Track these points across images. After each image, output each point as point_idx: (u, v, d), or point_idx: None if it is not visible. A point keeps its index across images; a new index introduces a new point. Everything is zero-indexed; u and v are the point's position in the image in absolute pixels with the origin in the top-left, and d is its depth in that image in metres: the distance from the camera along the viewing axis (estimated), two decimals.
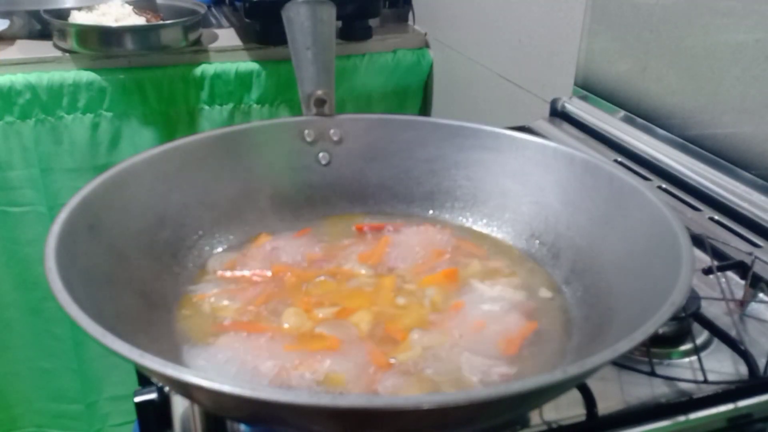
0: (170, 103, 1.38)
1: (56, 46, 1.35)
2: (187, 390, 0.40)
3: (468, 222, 0.67)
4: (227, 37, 1.47)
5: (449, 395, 0.35)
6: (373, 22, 1.52)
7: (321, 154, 0.68)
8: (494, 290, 0.58)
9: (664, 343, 0.56)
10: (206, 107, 1.41)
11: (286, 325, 0.53)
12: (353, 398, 0.42)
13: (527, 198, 0.64)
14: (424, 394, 0.45)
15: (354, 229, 0.66)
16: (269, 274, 0.59)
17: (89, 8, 1.40)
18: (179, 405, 0.54)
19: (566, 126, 0.98)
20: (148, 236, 0.57)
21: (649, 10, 0.88)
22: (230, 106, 1.42)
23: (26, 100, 1.28)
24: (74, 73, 1.31)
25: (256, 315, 0.55)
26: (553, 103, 1.02)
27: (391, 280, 0.59)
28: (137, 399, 0.54)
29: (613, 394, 0.51)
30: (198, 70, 1.38)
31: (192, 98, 1.39)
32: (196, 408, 0.51)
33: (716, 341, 0.57)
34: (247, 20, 1.40)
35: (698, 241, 0.62)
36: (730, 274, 0.65)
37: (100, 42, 1.33)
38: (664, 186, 0.81)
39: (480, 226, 0.66)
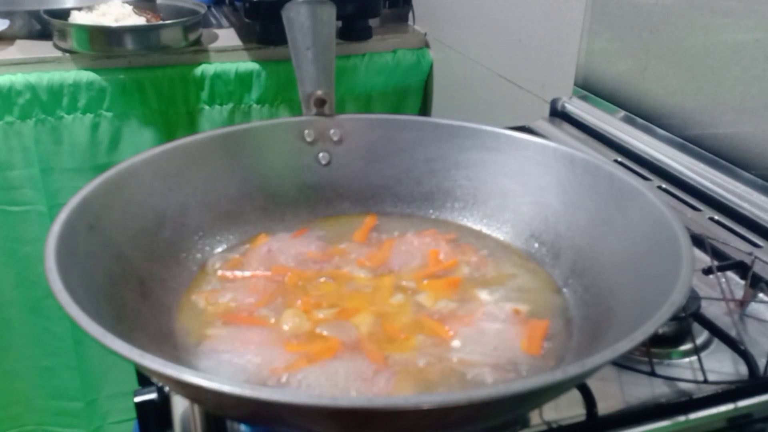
0: (170, 103, 1.38)
1: (56, 46, 1.35)
2: (187, 390, 0.40)
3: (468, 222, 0.67)
4: (227, 37, 1.47)
5: (449, 395, 0.35)
6: (373, 22, 1.52)
7: (321, 154, 0.68)
8: (494, 291, 0.58)
9: (664, 343, 0.56)
10: (206, 107, 1.41)
11: (285, 326, 0.53)
12: (353, 398, 0.42)
13: (527, 198, 0.64)
14: (424, 394, 0.45)
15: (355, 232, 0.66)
16: (269, 274, 0.59)
17: (89, 8, 1.40)
18: (179, 405, 0.54)
19: (566, 126, 0.98)
20: (148, 236, 0.57)
21: (649, 10, 0.88)
22: (230, 106, 1.42)
23: (26, 100, 1.28)
24: (74, 73, 1.31)
25: (256, 315, 0.55)
26: (553, 103, 1.02)
27: (390, 280, 0.59)
28: (137, 399, 0.54)
29: (613, 394, 0.51)
30: (198, 70, 1.38)
31: (192, 98, 1.39)
32: (196, 408, 0.51)
33: (716, 341, 0.57)
34: (247, 20, 1.40)
35: (698, 241, 0.62)
36: (730, 274, 0.65)
37: (100, 42, 1.33)
38: (664, 186, 0.81)
39: (480, 226, 0.66)
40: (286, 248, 0.62)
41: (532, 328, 0.53)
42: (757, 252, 0.66)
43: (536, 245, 0.62)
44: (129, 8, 1.42)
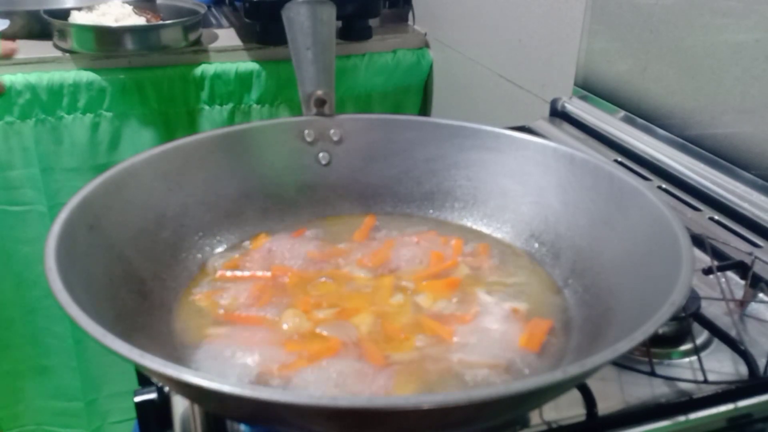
0: (170, 103, 1.38)
1: (56, 46, 1.35)
2: (187, 390, 0.40)
3: (468, 222, 0.67)
4: (227, 37, 1.47)
5: (449, 395, 0.35)
6: (373, 22, 1.52)
7: (321, 154, 0.68)
8: (494, 291, 0.58)
9: (664, 343, 0.56)
10: (206, 107, 1.41)
11: (285, 326, 0.53)
12: (353, 398, 0.42)
13: (527, 198, 0.64)
14: (424, 394, 0.45)
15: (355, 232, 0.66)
16: (269, 274, 0.59)
17: (89, 8, 1.40)
18: (179, 405, 0.54)
19: (566, 126, 0.98)
20: (148, 236, 0.57)
21: (649, 10, 0.88)
22: (230, 106, 1.42)
23: (26, 100, 1.28)
24: (74, 73, 1.31)
25: (256, 315, 0.55)
26: (553, 103, 1.02)
27: (390, 281, 0.59)
28: (137, 399, 0.54)
29: (613, 394, 0.51)
30: (198, 70, 1.38)
31: (192, 98, 1.39)
32: (196, 408, 0.51)
33: (716, 341, 0.57)
34: (247, 20, 1.40)
35: (698, 241, 0.62)
36: (730, 274, 0.65)
37: (100, 42, 1.33)
38: (664, 186, 0.81)
39: (480, 226, 0.66)
40: (286, 248, 0.62)
41: (534, 326, 0.53)
42: (757, 252, 0.66)
43: (536, 245, 0.62)
44: (129, 8, 1.42)
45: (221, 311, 0.55)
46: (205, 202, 0.62)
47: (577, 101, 1.00)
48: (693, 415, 0.50)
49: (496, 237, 0.65)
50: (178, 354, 0.50)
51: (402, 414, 0.35)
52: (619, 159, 0.88)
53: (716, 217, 0.74)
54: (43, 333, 1.45)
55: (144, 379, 0.57)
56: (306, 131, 0.67)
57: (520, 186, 0.64)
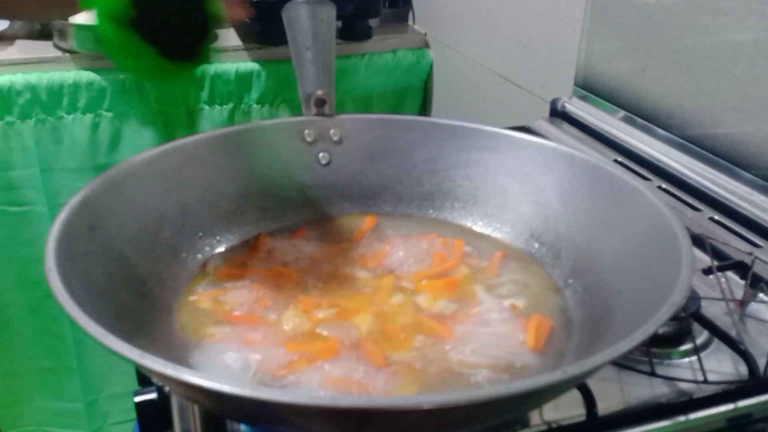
0: (170, 103, 1.38)
1: (56, 46, 1.35)
2: (187, 390, 0.40)
3: (468, 222, 0.67)
4: (227, 37, 1.47)
5: (449, 395, 0.35)
6: (373, 22, 1.52)
7: (321, 154, 0.68)
8: (493, 291, 0.58)
9: (664, 343, 0.56)
10: (206, 107, 1.41)
11: (285, 326, 0.53)
12: (353, 398, 0.42)
13: (527, 198, 0.64)
14: (424, 394, 0.45)
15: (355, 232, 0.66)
16: (269, 274, 0.59)
17: None
18: (179, 405, 0.54)
19: (566, 126, 0.98)
20: (148, 236, 0.57)
21: (649, 10, 0.88)
22: (230, 106, 1.42)
23: (26, 100, 1.28)
24: (74, 73, 1.31)
25: (256, 315, 0.55)
26: (553, 103, 1.02)
27: (390, 281, 0.59)
28: (137, 399, 0.54)
29: (613, 394, 0.51)
30: (198, 70, 1.38)
31: (192, 98, 1.39)
32: (196, 408, 0.51)
33: (716, 341, 0.57)
34: (247, 20, 1.40)
35: (698, 241, 0.62)
36: (730, 274, 0.65)
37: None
38: (664, 186, 0.81)
39: (480, 226, 0.66)
40: (286, 248, 0.62)
41: (536, 325, 0.53)
42: (757, 252, 0.66)
43: (536, 245, 0.62)
44: None
45: (221, 311, 0.55)
46: (205, 202, 0.62)
47: (577, 101, 1.00)
48: (693, 415, 0.50)
49: (496, 237, 0.65)
50: (178, 354, 0.50)
51: (402, 414, 0.35)
52: (619, 159, 0.88)
53: (716, 217, 0.74)
54: (43, 333, 1.45)
55: (144, 379, 0.57)
56: (306, 131, 0.67)
57: (520, 186, 0.64)
